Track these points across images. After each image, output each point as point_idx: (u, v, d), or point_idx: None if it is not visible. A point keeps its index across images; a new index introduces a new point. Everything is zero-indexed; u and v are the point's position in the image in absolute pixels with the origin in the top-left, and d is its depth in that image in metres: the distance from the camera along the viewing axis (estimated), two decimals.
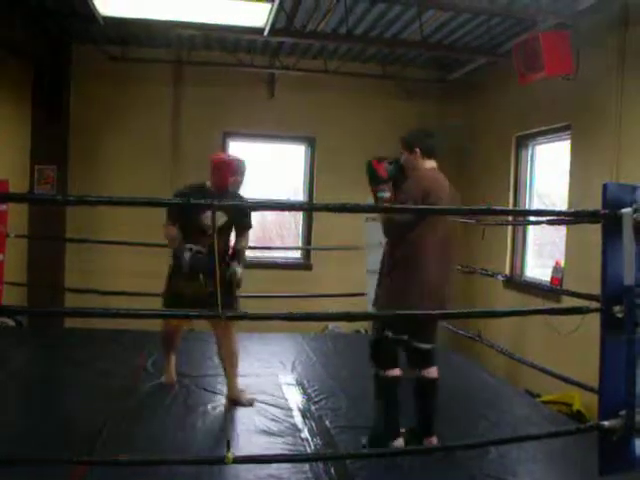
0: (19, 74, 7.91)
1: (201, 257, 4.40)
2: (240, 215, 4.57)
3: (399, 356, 3.97)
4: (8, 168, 7.21)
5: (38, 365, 5.26)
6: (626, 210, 2.85)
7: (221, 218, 4.42)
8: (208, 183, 4.60)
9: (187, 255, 4.42)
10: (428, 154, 3.92)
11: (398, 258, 3.82)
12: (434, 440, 3.83)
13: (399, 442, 3.86)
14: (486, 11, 6.30)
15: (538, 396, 6.23)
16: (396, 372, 3.92)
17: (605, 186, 2.97)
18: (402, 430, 3.94)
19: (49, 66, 7.95)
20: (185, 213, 4.37)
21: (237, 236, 4.70)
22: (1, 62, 7.78)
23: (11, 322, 6.96)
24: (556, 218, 5.33)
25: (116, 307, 3.06)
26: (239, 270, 4.52)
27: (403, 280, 3.78)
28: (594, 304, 3.11)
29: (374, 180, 4.04)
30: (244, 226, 4.67)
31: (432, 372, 3.95)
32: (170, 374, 5.02)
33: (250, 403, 4.61)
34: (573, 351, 5.75)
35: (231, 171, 4.54)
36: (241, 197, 4.67)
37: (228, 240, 4.67)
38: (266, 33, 6.33)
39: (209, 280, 4.15)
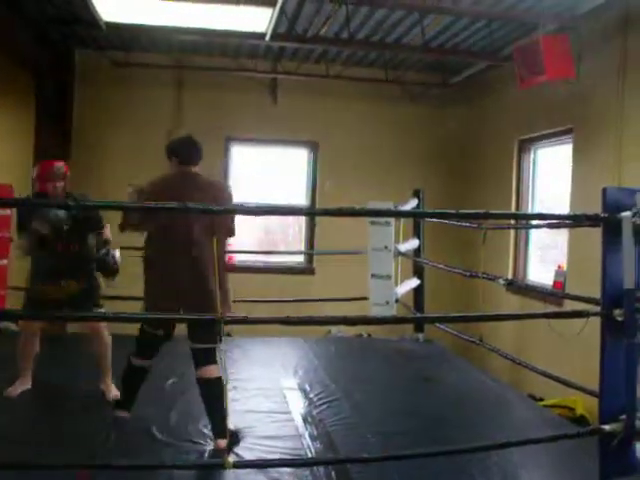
0: (22, 81, 7.95)
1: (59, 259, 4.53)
2: (86, 217, 4.57)
3: (156, 350, 4.11)
4: (12, 174, 7.22)
5: (39, 370, 5.26)
6: (626, 214, 2.85)
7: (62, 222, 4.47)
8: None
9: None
10: (185, 162, 3.97)
11: (144, 258, 4.02)
12: (222, 444, 3.72)
13: (124, 414, 4.13)
14: (487, 15, 6.32)
15: (541, 400, 6.22)
16: (139, 362, 4.07)
17: (605, 190, 2.98)
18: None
19: (52, 72, 7.98)
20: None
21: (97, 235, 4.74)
22: (5, 69, 7.83)
23: (14, 327, 6.96)
24: (557, 222, 5.32)
25: (123, 312, 3.06)
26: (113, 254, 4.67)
27: (145, 280, 4.00)
28: (596, 308, 3.11)
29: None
30: (95, 228, 4.68)
31: (207, 371, 3.86)
32: (26, 378, 4.82)
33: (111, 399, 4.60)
34: (576, 355, 5.74)
35: (46, 177, 4.55)
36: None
37: (82, 241, 4.66)
38: (267, 38, 6.36)
39: (70, 281, 4.50)
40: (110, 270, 4.69)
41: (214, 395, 3.79)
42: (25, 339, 4.76)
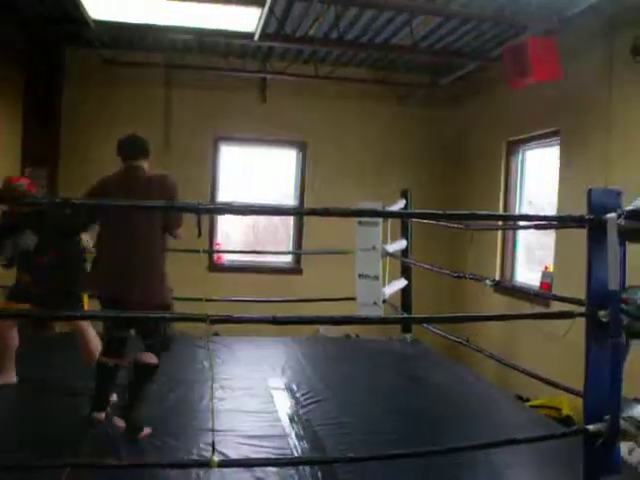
0: (11, 77, 7.90)
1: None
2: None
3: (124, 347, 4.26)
4: None
5: (34, 369, 5.26)
6: (611, 215, 2.87)
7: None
8: None
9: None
10: (127, 158, 4.23)
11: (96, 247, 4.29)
12: (120, 423, 4.03)
13: (101, 415, 4.16)
14: (477, 17, 6.33)
15: (527, 400, 6.25)
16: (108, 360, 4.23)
17: (590, 191, 2.99)
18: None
19: (41, 69, 7.94)
20: None
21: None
22: None
23: None
24: (543, 223, 5.35)
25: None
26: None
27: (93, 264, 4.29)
28: (581, 309, 3.12)
29: None
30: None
31: (147, 357, 4.12)
32: (9, 372, 4.89)
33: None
34: (562, 355, 5.76)
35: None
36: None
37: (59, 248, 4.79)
38: (256, 38, 6.34)
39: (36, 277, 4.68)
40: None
41: (144, 380, 4.14)
42: (2, 334, 4.81)
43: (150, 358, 4.12)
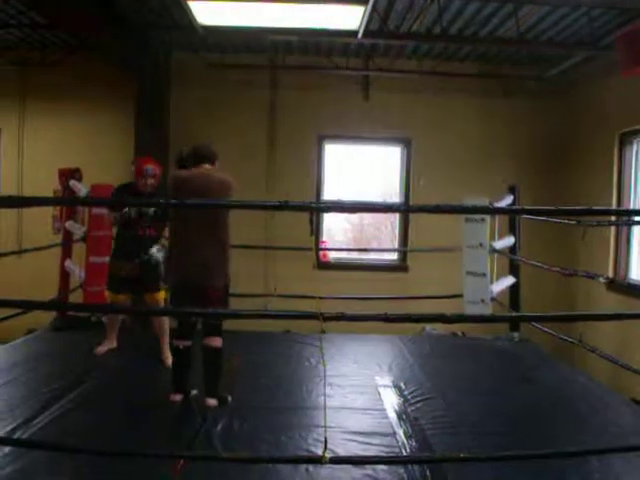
0: (123, 84, 8.28)
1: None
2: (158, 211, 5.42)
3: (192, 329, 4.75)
4: (114, 174, 7.53)
5: (120, 360, 5.57)
6: None
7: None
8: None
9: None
10: (194, 162, 4.73)
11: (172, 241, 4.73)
12: (212, 402, 4.45)
13: (177, 397, 4.60)
14: (587, 3, 6.11)
15: None
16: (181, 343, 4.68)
17: None
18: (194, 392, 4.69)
19: (151, 76, 8.25)
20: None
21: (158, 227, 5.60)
22: (107, 76, 8.19)
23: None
24: None
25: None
26: (154, 252, 5.44)
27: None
28: None
29: None
30: (161, 219, 5.45)
31: (212, 341, 4.54)
32: (112, 340, 5.87)
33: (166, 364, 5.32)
34: None
35: (139, 174, 5.43)
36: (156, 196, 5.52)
37: (160, 230, 5.60)
38: (360, 36, 6.34)
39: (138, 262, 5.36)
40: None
41: (213, 361, 4.54)
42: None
43: (214, 341, 4.54)
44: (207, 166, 4.73)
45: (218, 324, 4.58)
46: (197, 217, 4.50)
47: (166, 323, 5.53)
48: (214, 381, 4.55)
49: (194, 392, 4.68)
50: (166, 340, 5.47)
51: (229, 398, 4.57)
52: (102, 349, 5.79)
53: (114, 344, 5.88)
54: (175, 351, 4.72)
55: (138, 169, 5.45)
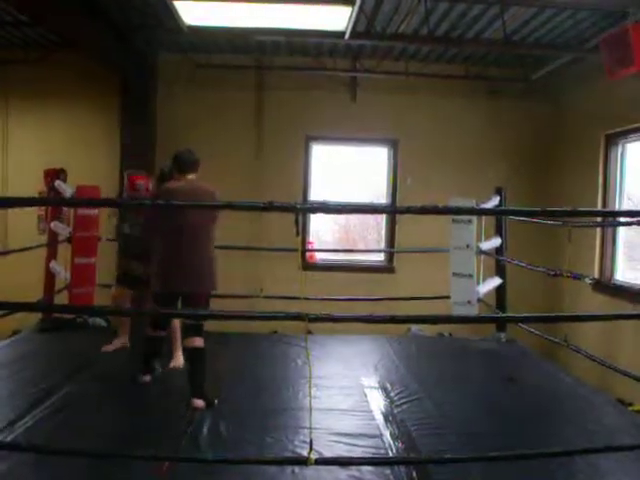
0: (108, 85, 8.25)
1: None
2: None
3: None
4: (99, 174, 7.50)
5: (121, 364, 5.49)
6: None
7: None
8: None
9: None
10: (179, 172, 4.84)
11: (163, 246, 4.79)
12: (199, 403, 4.48)
13: (147, 377, 4.98)
14: (572, 5, 6.13)
15: (630, 405, 6.01)
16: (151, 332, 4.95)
17: None
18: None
19: (136, 75, 8.23)
20: None
21: None
22: (91, 74, 8.14)
23: (104, 322, 7.24)
24: None
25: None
26: None
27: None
28: None
29: None
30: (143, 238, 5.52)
31: (193, 342, 4.60)
32: (123, 338, 5.94)
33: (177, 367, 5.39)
34: None
35: (131, 191, 5.76)
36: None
37: None
38: (347, 37, 6.35)
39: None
40: None
41: (196, 361, 4.59)
42: (121, 305, 5.79)
43: (195, 342, 4.60)
44: (191, 176, 4.81)
45: (199, 325, 4.64)
46: (188, 228, 4.59)
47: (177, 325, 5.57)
48: (199, 381, 4.58)
49: (158, 369, 5.04)
50: (177, 337, 5.46)
51: (216, 401, 4.59)
52: (111, 347, 5.87)
53: (126, 341, 5.95)
54: (148, 338, 4.96)
55: (130, 185, 5.73)
